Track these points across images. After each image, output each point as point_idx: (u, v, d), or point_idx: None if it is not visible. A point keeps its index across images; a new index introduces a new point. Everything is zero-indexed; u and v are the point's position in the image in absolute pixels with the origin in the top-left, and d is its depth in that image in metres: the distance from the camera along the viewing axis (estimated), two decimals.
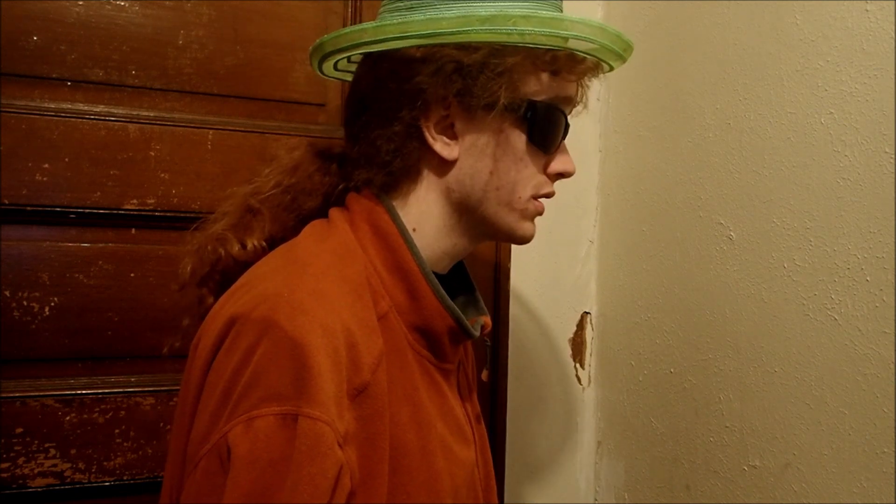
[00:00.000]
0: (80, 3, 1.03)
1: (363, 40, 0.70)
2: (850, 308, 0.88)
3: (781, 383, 0.97)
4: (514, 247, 1.29)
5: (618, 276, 1.32)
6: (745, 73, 1.04)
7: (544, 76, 0.72)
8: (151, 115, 1.06)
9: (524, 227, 0.77)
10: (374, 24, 0.69)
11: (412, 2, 0.70)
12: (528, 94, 0.71)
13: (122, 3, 1.05)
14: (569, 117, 0.76)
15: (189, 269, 0.75)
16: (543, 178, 0.76)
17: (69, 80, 1.03)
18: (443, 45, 0.68)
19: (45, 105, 1.01)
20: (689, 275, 1.14)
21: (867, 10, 0.86)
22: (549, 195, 0.77)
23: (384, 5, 0.74)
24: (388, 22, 0.68)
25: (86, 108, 1.03)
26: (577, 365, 1.38)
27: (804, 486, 0.93)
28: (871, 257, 0.86)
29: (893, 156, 0.83)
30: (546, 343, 1.35)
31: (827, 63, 0.92)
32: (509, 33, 0.66)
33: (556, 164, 0.76)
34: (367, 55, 0.75)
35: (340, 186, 0.78)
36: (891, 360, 0.83)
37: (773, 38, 0.99)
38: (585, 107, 0.78)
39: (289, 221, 0.77)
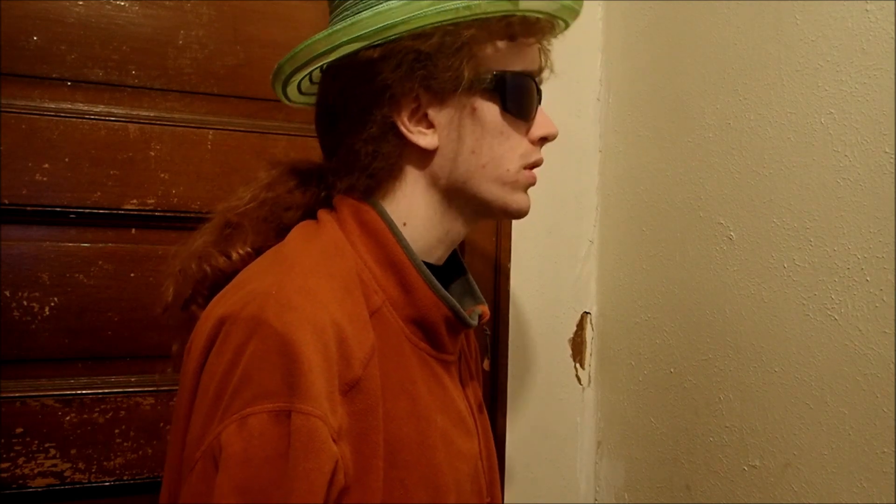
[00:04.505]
0: (80, 3, 1.03)
1: (319, 52, 0.70)
2: (850, 308, 0.88)
3: (781, 383, 0.97)
4: (514, 247, 1.29)
5: (618, 276, 1.32)
6: (745, 73, 1.04)
7: (501, 44, 0.72)
8: (151, 115, 1.06)
9: (518, 199, 0.76)
10: (326, 33, 0.69)
11: (359, 4, 0.70)
12: (491, 65, 0.72)
13: (122, 3, 1.05)
14: (539, 83, 0.76)
15: (171, 291, 0.75)
16: (528, 145, 0.75)
17: (69, 80, 1.03)
18: (398, 40, 0.68)
19: (45, 105, 1.01)
20: (689, 275, 1.14)
21: (867, 10, 0.86)
22: (537, 163, 0.77)
23: (332, 15, 0.74)
24: (339, 26, 0.68)
25: (86, 108, 1.03)
26: (577, 365, 1.37)
27: (804, 486, 0.93)
28: (871, 257, 0.86)
29: (893, 156, 0.83)
30: (546, 343, 1.35)
31: (827, 63, 0.92)
32: (457, 9, 0.66)
33: (538, 129, 0.76)
34: (326, 71, 0.75)
35: (323, 195, 0.78)
36: (891, 360, 0.83)
37: (773, 38, 0.99)
38: (552, 71, 0.78)
39: (270, 232, 0.76)
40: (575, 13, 0.76)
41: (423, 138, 0.72)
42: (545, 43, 0.77)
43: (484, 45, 0.71)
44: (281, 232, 0.75)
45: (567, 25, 0.78)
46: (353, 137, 0.72)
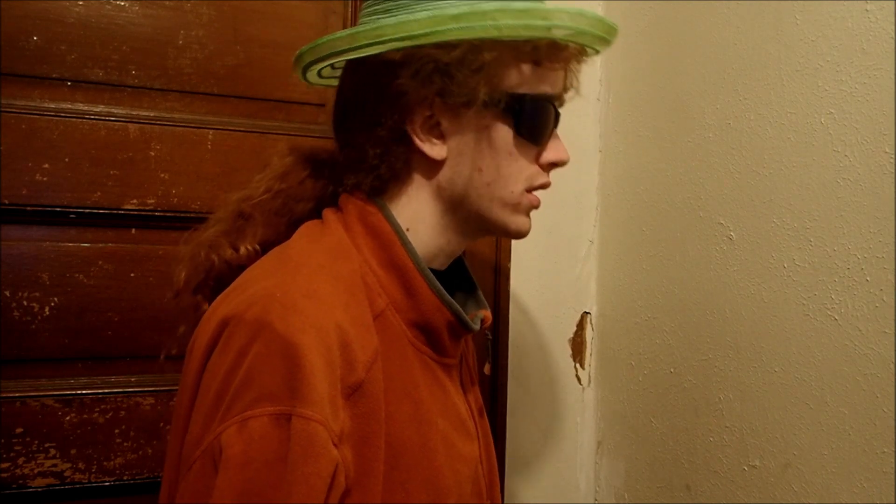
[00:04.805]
0: (80, 3, 1.03)
1: (339, 49, 0.70)
2: (850, 308, 0.88)
3: (781, 383, 0.97)
4: (514, 247, 1.29)
5: (618, 276, 1.32)
6: (745, 73, 1.04)
7: (526, 67, 0.71)
8: (151, 115, 1.06)
9: (518, 221, 0.75)
10: (349, 32, 0.69)
11: (388, 4, 0.69)
12: (510, 87, 0.70)
13: (122, 3, 1.05)
14: (560, 106, 0.75)
15: (183, 276, 0.75)
16: (536, 169, 0.74)
17: (69, 80, 1.03)
18: (421, 46, 0.67)
19: (45, 105, 1.01)
20: (689, 275, 1.14)
21: (867, 10, 0.86)
22: (543, 186, 0.76)
23: (363, 10, 0.73)
24: (363, 28, 0.68)
25: (86, 108, 1.03)
26: (577, 365, 1.37)
27: (804, 486, 0.93)
28: (871, 257, 0.86)
29: (893, 156, 0.83)
30: (546, 343, 1.35)
31: (827, 63, 0.92)
32: (485, 28, 0.65)
33: (549, 154, 0.75)
34: (348, 63, 0.75)
35: (330, 189, 0.78)
36: (891, 360, 0.83)
37: (773, 38, 0.99)
38: (578, 92, 0.76)
39: (281, 226, 0.76)
40: (607, 43, 0.74)
41: (433, 148, 0.71)
42: (572, 65, 0.74)
43: (507, 66, 0.70)
44: (291, 225, 0.76)
45: (597, 52, 0.76)
46: (364, 136, 0.72)
